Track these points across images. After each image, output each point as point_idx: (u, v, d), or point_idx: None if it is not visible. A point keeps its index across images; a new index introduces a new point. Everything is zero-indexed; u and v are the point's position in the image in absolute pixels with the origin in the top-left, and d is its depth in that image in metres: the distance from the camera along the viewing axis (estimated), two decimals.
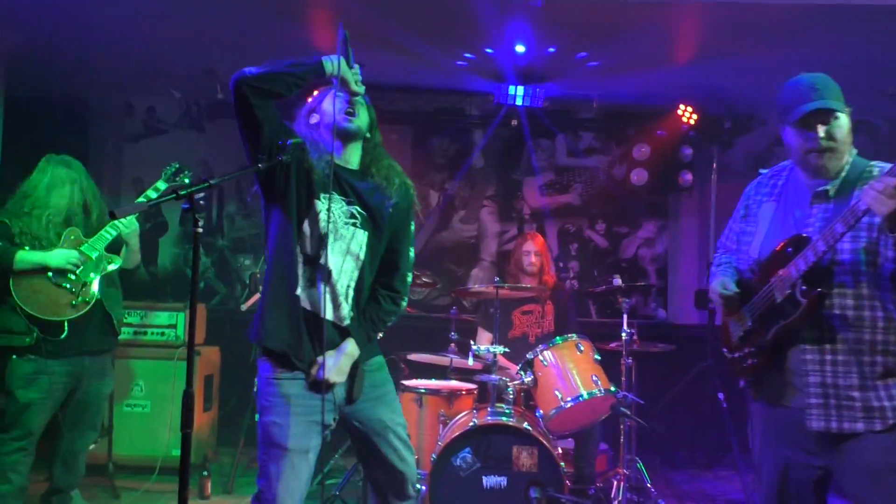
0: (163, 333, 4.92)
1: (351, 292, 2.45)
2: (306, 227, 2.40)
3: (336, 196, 2.42)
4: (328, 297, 2.39)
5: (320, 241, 2.38)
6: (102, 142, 5.92)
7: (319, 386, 2.37)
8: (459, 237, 6.00)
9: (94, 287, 3.35)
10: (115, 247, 3.48)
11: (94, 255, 3.35)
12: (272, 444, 2.35)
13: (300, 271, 2.40)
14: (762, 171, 2.39)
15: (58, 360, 3.31)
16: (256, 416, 2.48)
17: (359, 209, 2.46)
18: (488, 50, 4.69)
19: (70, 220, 3.40)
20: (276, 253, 2.43)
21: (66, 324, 3.29)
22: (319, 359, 2.37)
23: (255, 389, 2.54)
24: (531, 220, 6.02)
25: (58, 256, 3.28)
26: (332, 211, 2.39)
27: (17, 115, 5.15)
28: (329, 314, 2.41)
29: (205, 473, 4.42)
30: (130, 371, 4.77)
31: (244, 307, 5.26)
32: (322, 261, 2.38)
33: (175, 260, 6.09)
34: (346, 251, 2.44)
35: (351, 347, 2.44)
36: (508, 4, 4.04)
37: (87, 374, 3.43)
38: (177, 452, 4.71)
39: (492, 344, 3.86)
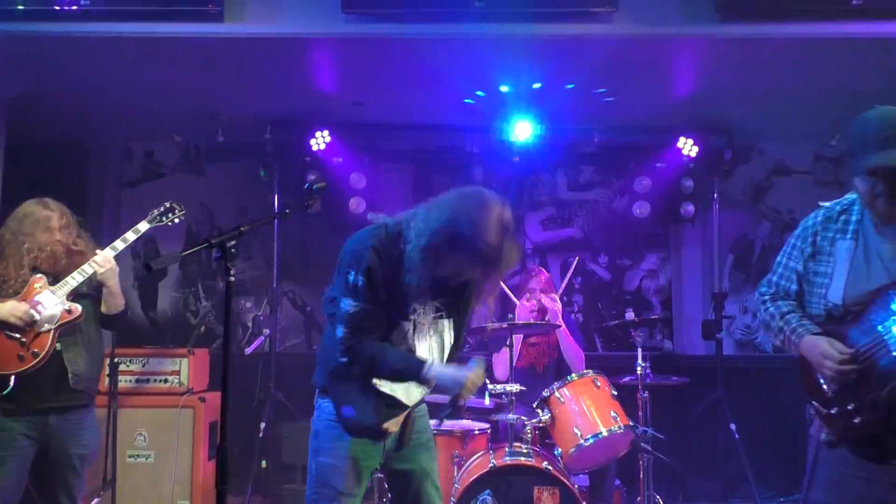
0: (165, 380, 4.83)
1: None
2: (394, 335, 2.40)
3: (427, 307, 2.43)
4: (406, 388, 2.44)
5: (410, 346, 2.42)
6: (101, 187, 5.88)
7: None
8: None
9: (48, 339, 2.99)
10: (100, 288, 3.16)
11: (52, 304, 3.01)
12: (326, 485, 2.41)
13: None
14: (823, 203, 2.24)
15: (13, 417, 2.98)
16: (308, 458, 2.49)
17: (441, 300, 2.44)
18: (480, 94, 4.73)
19: (43, 261, 3.08)
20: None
21: (11, 378, 2.94)
22: None
23: (313, 428, 2.47)
24: (534, 254, 6.01)
25: (6, 309, 2.96)
26: (422, 311, 2.42)
27: (18, 161, 5.10)
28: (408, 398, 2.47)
29: None
30: (133, 420, 4.66)
31: (247, 351, 5.19)
32: None
33: (174, 304, 6.00)
34: (433, 344, 2.47)
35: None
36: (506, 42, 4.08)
37: (55, 434, 3.04)
38: (183, 503, 4.64)
39: (505, 376, 3.81)
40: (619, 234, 5.95)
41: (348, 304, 2.34)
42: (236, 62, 4.33)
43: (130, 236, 3.20)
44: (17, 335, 2.96)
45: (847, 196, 2.19)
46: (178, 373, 4.85)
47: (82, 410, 3.13)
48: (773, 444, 5.48)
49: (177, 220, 3.37)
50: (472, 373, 2.32)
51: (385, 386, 2.43)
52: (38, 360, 2.96)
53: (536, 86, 4.69)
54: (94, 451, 3.22)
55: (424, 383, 2.37)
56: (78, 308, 3.05)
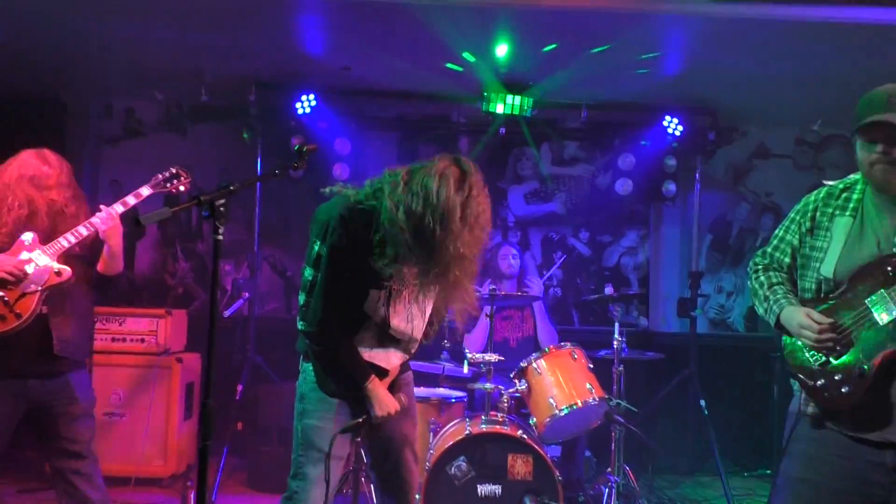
0: (143, 340, 4.81)
1: (414, 343, 2.58)
2: (367, 303, 2.43)
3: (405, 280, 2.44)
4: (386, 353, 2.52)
5: (386, 313, 2.45)
6: (80, 143, 5.77)
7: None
8: None
9: (34, 301, 2.78)
10: (96, 249, 2.96)
11: (41, 263, 2.81)
12: (312, 447, 2.45)
13: (367, 332, 2.48)
14: (827, 182, 2.25)
15: None
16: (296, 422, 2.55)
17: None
18: (471, 58, 4.69)
19: (34, 218, 2.86)
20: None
21: None
22: None
23: (299, 392, 2.50)
24: (516, 227, 6.03)
25: None
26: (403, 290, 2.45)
27: None
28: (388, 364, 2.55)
29: (188, 483, 4.32)
30: (109, 379, 4.65)
31: (227, 314, 5.17)
32: (389, 330, 2.48)
33: (153, 265, 5.95)
34: (413, 312, 2.50)
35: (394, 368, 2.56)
36: (494, 12, 4.05)
37: (38, 398, 2.87)
38: (158, 462, 4.65)
39: (485, 350, 3.86)
40: (601, 210, 5.98)
41: (310, 274, 2.41)
42: (222, 19, 4.25)
43: (131, 200, 3.00)
44: (1, 293, 2.76)
45: (851, 176, 2.21)
46: (154, 333, 4.84)
47: (67, 375, 2.92)
48: (741, 421, 5.63)
49: (182, 189, 3.20)
50: (395, 405, 2.48)
51: (365, 353, 2.46)
52: (20, 321, 2.76)
53: (522, 58, 4.66)
54: (87, 403, 2.96)
55: (362, 392, 2.45)
56: (68, 270, 2.84)
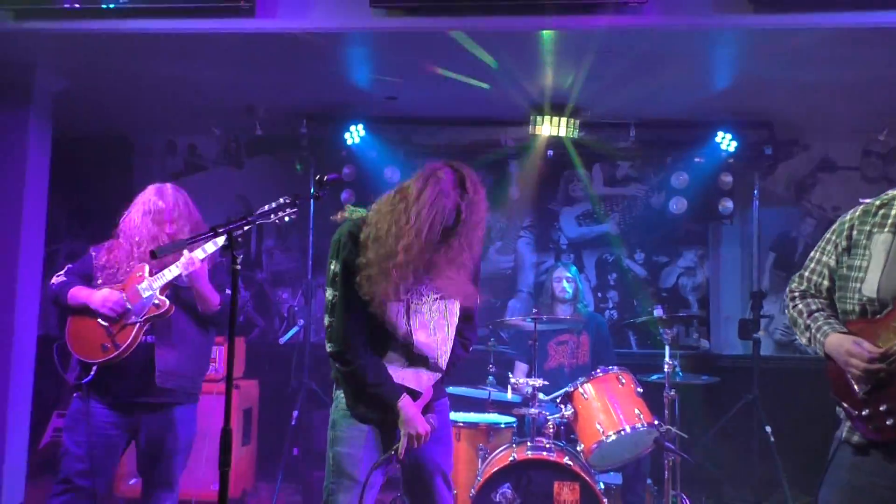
0: None
1: (443, 359, 2.55)
2: (387, 317, 2.44)
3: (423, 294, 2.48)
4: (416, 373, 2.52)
5: (409, 327, 2.46)
6: (146, 179, 6.04)
7: (392, 421, 2.46)
8: (496, 268, 5.98)
9: (133, 331, 2.90)
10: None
11: (145, 296, 2.93)
12: (342, 474, 2.45)
13: (394, 352, 2.49)
14: (863, 200, 2.18)
15: (104, 405, 2.96)
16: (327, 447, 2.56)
17: (437, 281, 2.47)
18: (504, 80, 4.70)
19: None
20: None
21: (93, 367, 2.92)
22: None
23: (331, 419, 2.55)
24: (569, 250, 5.97)
25: (99, 298, 2.93)
26: (420, 293, 2.45)
27: (65, 154, 5.31)
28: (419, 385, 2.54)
29: None
30: None
31: (282, 341, 5.30)
32: (414, 346, 2.48)
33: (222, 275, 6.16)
34: (437, 325, 2.50)
35: (425, 395, 2.53)
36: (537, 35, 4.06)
37: (145, 427, 2.99)
38: (215, 487, 4.75)
39: (529, 376, 3.81)
40: (656, 230, 5.86)
41: (330, 294, 2.44)
42: (270, 57, 4.41)
43: (211, 247, 2.94)
44: (106, 323, 2.90)
45: (888, 192, 2.13)
46: (214, 360, 4.98)
47: (175, 407, 3.00)
48: (809, 447, 5.31)
49: (288, 219, 2.92)
50: (426, 430, 2.45)
51: (395, 375, 2.47)
52: (119, 351, 2.87)
53: (570, 79, 4.65)
54: (185, 440, 3.06)
55: (393, 413, 2.43)
56: (166, 302, 2.92)
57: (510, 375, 3.91)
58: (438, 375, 2.57)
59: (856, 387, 2.02)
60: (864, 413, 1.99)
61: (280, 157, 5.73)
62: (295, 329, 5.30)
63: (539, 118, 5.04)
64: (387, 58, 4.51)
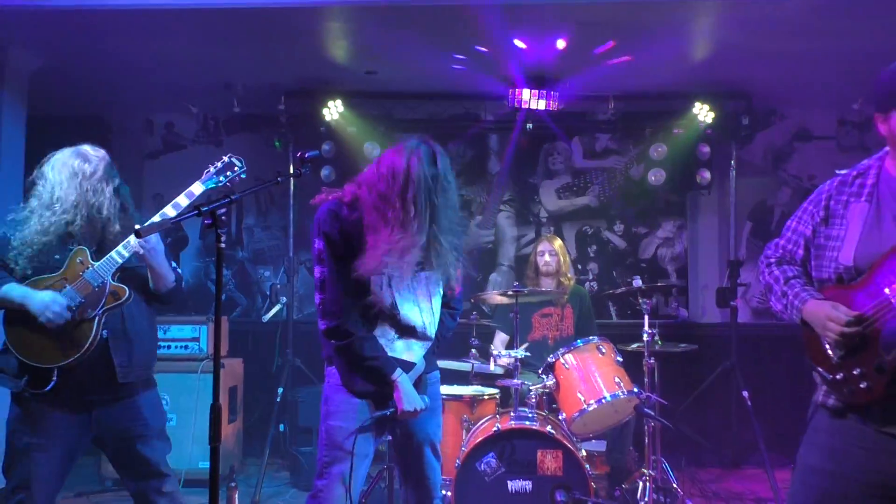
0: (186, 346, 4.98)
1: (431, 328, 2.59)
2: (373, 289, 2.47)
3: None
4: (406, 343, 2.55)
5: (393, 299, 2.49)
6: (123, 158, 5.96)
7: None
8: (477, 243, 6.01)
9: (93, 328, 2.59)
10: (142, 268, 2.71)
11: (95, 285, 2.60)
12: (335, 447, 2.50)
13: (383, 324, 2.52)
14: (839, 171, 2.17)
15: (57, 408, 2.63)
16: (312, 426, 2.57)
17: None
18: (482, 49, 4.69)
19: (79, 230, 2.63)
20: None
21: (54, 372, 2.58)
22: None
23: (323, 395, 2.56)
24: (549, 223, 6.01)
25: (39, 299, 2.54)
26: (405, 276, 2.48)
27: (40, 133, 5.24)
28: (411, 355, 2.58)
29: (232, 484, 4.43)
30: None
31: (266, 318, 5.31)
32: (400, 318, 2.51)
33: (196, 273, 6.15)
34: (420, 295, 2.54)
35: (420, 363, 2.59)
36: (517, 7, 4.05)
37: (107, 426, 2.72)
38: (203, 464, 4.80)
39: (511, 347, 3.86)
40: (635, 202, 5.91)
41: (318, 271, 2.48)
42: (247, 33, 4.37)
43: (183, 201, 2.66)
44: (61, 324, 2.56)
45: (862, 162, 2.14)
46: (197, 339, 5.00)
47: (134, 398, 2.73)
48: (787, 411, 5.47)
49: (240, 178, 2.83)
50: (421, 406, 2.50)
51: (386, 346, 2.52)
52: (81, 352, 2.57)
53: (549, 52, 4.64)
54: (157, 424, 2.80)
55: (389, 386, 2.48)
56: (125, 290, 2.63)
57: (492, 348, 3.96)
58: (429, 344, 2.61)
59: (830, 351, 2.06)
60: (838, 377, 2.02)
61: (259, 135, 5.69)
62: (278, 307, 5.32)
63: (518, 91, 5.04)
64: (366, 32, 4.48)
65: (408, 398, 2.48)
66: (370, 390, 2.51)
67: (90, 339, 2.57)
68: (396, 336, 2.53)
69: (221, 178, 2.81)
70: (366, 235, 2.38)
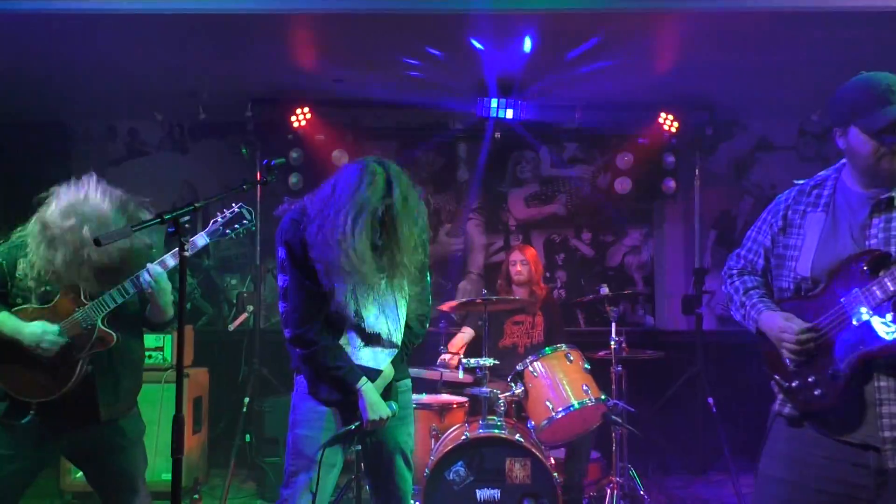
0: (150, 356, 4.88)
1: (396, 335, 2.57)
2: (337, 296, 2.45)
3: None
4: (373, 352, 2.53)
5: (357, 307, 2.48)
6: (85, 165, 5.86)
7: (353, 403, 2.49)
8: (446, 251, 6.01)
9: (77, 368, 2.54)
10: (144, 298, 2.62)
11: (84, 326, 2.53)
12: (301, 456, 2.49)
13: (349, 331, 2.51)
14: (797, 181, 2.21)
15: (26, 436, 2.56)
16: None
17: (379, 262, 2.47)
18: (449, 57, 4.71)
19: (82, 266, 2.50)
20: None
21: (32, 405, 2.54)
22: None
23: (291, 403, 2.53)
24: (517, 231, 6.04)
25: (30, 332, 2.50)
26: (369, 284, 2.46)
27: (1, 140, 5.13)
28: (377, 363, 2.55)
29: (195, 497, 4.37)
30: None
31: (231, 327, 5.24)
32: (365, 325, 2.49)
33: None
34: (386, 302, 2.52)
35: (388, 371, 2.57)
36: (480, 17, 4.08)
37: (79, 445, 2.66)
38: (167, 476, 4.69)
39: (477, 352, 3.86)
40: (603, 210, 5.97)
41: (281, 280, 2.49)
42: (215, 38, 4.33)
43: (170, 261, 2.61)
44: (46, 361, 2.52)
45: (820, 173, 2.18)
46: (161, 349, 4.90)
47: (115, 422, 2.65)
48: (752, 417, 5.52)
49: (245, 232, 2.70)
50: (387, 414, 2.49)
51: (352, 354, 2.50)
52: (63, 390, 2.51)
53: (515, 62, 4.68)
54: (134, 435, 2.75)
55: (354, 395, 2.46)
56: (112, 336, 2.55)
57: (461, 357, 3.95)
58: (395, 351, 2.59)
59: (786, 360, 2.09)
60: (794, 385, 2.06)
61: (226, 142, 5.63)
62: (244, 315, 5.25)
63: (486, 101, 5.06)
64: (332, 39, 4.47)
65: (372, 408, 2.46)
66: (336, 399, 2.50)
67: (73, 379, 2.52)
68: (362, 344, 2.51)
69: (228, 230, 2.65)
70: (310, 251, 2.37)
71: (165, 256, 2.59)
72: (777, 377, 2.12)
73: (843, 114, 2.02)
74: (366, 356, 2.52)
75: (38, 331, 2.49)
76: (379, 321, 2.51)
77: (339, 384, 2.47)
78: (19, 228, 2.62)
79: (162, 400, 4.74)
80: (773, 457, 2.14)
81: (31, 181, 3.36)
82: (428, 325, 2.75)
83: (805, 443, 2.06)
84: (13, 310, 2.55)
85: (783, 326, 2.05)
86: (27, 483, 2.66)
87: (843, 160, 2.12)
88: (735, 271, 2.31)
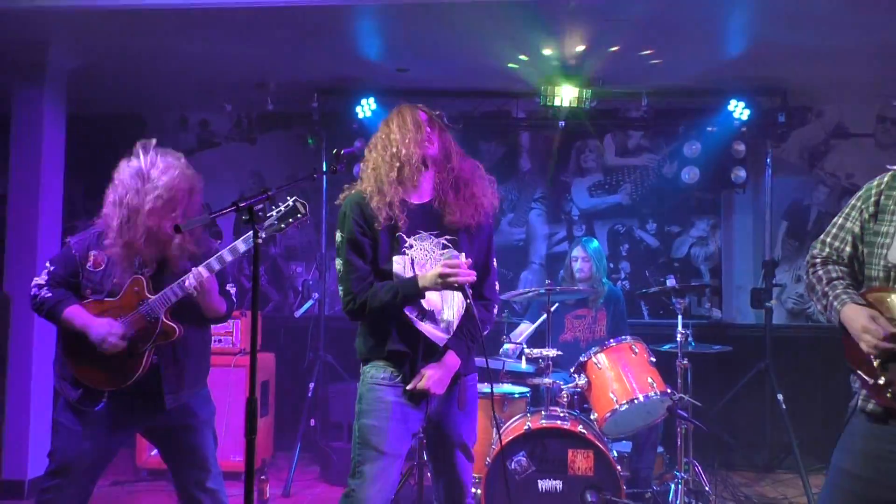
0: (220, 340, 5.04)
1: (451, 314, 2.54)
2: (397, 266, 2.49)
3: (424, 234, 2.52)
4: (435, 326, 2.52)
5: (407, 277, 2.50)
6: None
7: (418, 395, 2.49)
8: (508, 240, 6.00)
9: (143, 360, 2.63)
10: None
11: (149, 320, 2.63)
12: (368, 446, 2.49)
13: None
14: (892, 167, 2.12)
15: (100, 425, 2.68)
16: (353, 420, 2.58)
17: (448, 237, 2.53)
18: (523, 58, 4.71)
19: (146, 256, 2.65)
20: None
21: (105, 394, 2.66)
22: (423, 370, 2.48)
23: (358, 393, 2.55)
24: (580, 221, 5.97)
25: (97, 330, 2.59)
26: (425, 248, 2.50)
27: (80, 133, 5.35)
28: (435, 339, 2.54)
29: (263, 477, 4.51)
30: None
31: (298, 314, 5.36)
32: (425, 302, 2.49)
33: (230, 268, 6.21)
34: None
35: (452, 360, 2.54)
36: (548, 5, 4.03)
37: (154, 424, 2.78)
38: (236, 457, 4.86)
39: (540, 343, 3.85)
40: (668, 200, 5.85)
41: (338, 263, 2.55)
42: (281, 31, 4.41)
43: (241, 246, 2.65)
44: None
45: None
46: (231, 333, 5.06)
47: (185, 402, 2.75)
48: (822, 415, 5.38)
49: (301, 224, 2.61)
50: (466, 279, 2.44)
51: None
52: (130, 381, 2.62)
53: (580, 48, 4.62)
54: (205, 415, 2.83)
55: (421, 294, 2.45)
56: (175, 329, 2.64)
57: (524, 346, 3.94)
58: (446, 335, 2.54)
59: (871, 355, 2.01)
60: (879, 381, 1.98)
61: (292, 132, 5.74)
62: (310, 303, 5.37)
63: (550, 88, 5.01)
64: (397, 30, 4.49)
65: (441, 272, 2.39)
66: (406, 351, 2.49)
67: (140, 369, 2.62)
68: (421, 317, 2.50)
69: (283, 224, 2.57)
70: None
71: (236, 242, 2.64)
72: (860, 372, 2.04)
73: None
74: (426, 329, 2.51)
75: (104, 331, 2.59)
76: (434, 295, 2.49)
77: (397, 302, 2.44)
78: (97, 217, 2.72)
79: (231, 383, 4.91)
80: (849, 451, 2.09)
81: (109, 172, 3.48)
82: (495, 312, 2.71)
83: (887, 441, 2.00)
84: (83, 302, 2.67)
85: (867, 327, 1.96)
86: (106, 461, 2.77)
87: None
88: (819, 260, 2.22)
